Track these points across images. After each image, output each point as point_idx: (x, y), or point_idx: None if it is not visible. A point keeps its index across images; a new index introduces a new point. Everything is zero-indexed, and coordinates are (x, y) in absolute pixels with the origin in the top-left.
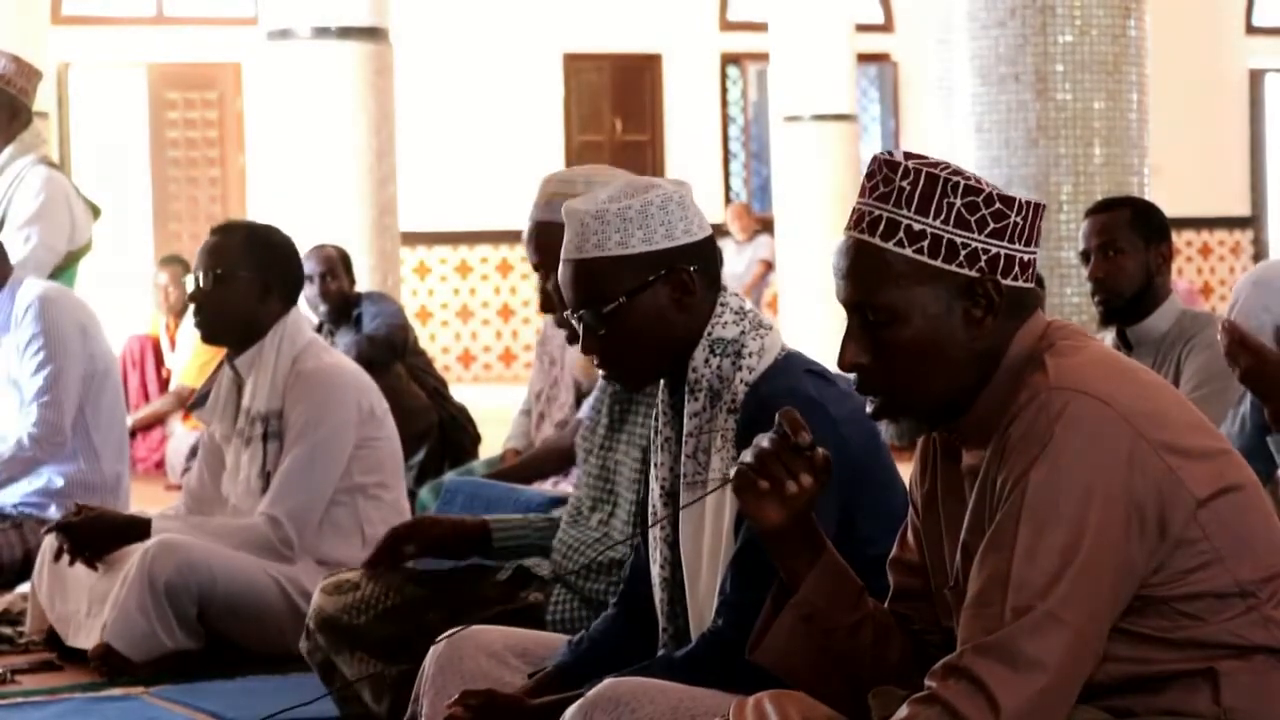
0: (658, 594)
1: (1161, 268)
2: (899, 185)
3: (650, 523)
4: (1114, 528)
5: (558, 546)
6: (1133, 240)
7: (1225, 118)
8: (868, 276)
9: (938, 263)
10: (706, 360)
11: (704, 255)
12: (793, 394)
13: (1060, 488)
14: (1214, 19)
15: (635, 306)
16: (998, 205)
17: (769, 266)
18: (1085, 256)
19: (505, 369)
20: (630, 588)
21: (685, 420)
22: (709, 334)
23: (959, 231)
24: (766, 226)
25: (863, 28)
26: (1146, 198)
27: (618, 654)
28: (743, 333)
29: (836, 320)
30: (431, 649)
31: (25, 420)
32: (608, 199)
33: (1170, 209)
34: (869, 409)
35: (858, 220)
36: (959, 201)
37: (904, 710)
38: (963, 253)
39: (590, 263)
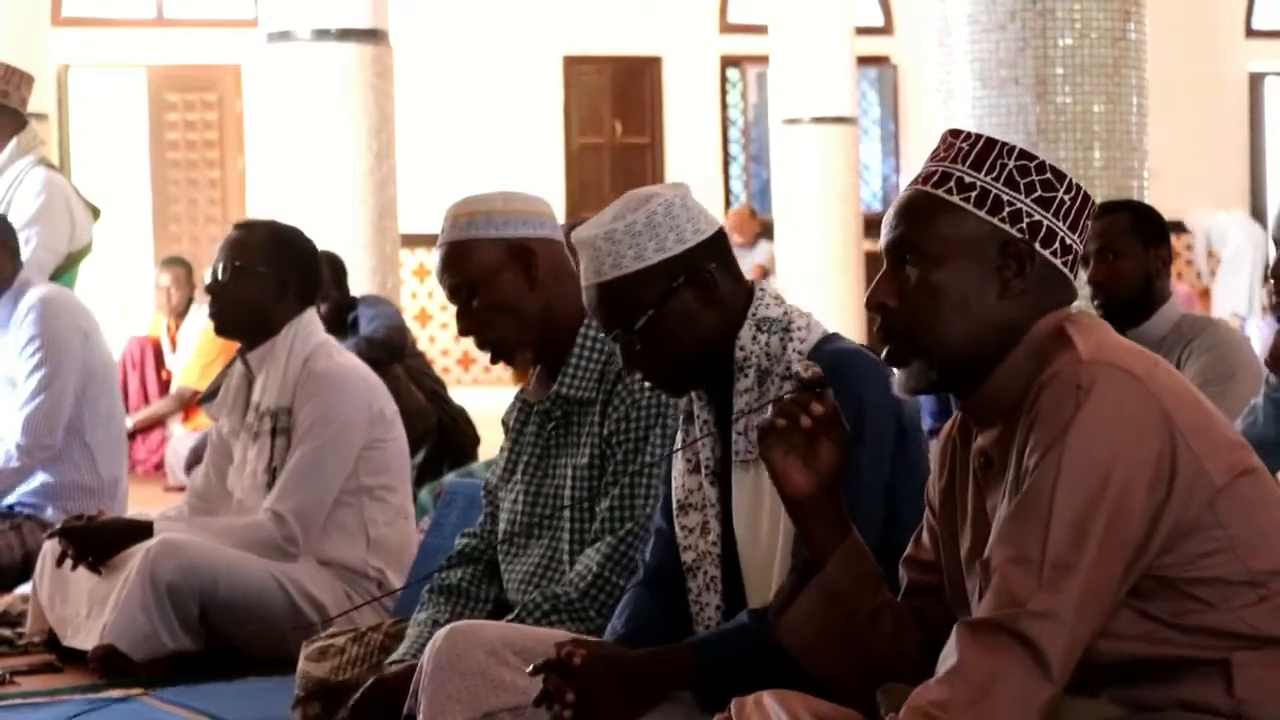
0: (709, 571)
1: (1160, 271)
2: (959, 146)
3: (676, 508)
4: (1138, 491)
5: (509, 582)
6: (1132, 244)
7: (1225, 121)
8: (913, 217)
9: (981, 213)
10: (754, 338)
11: (719, 250)
12: (859, 353)
13: (1094, 450)
14: (1214, 22)
15: (665, 315)
16: (1049, 175)
17: (765, 272)
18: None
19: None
20: (657, 566)
21: (735, 399)
22: (753, 314)
23: (1007, 190)
24: (766, 229)
25: (862, 30)
26: (1146, 201)
27: (661, 630)
28: (785, 312)
29: (836, 324)
30: (429, 645)
31: (14, 427)
32: (612, 218)
33: (1170, 212)
34: (884, 355)
35: (920, 178)
36: (1012, 163)
37: (951, 659)
38: (1007, 209)
39: (612, 284)
